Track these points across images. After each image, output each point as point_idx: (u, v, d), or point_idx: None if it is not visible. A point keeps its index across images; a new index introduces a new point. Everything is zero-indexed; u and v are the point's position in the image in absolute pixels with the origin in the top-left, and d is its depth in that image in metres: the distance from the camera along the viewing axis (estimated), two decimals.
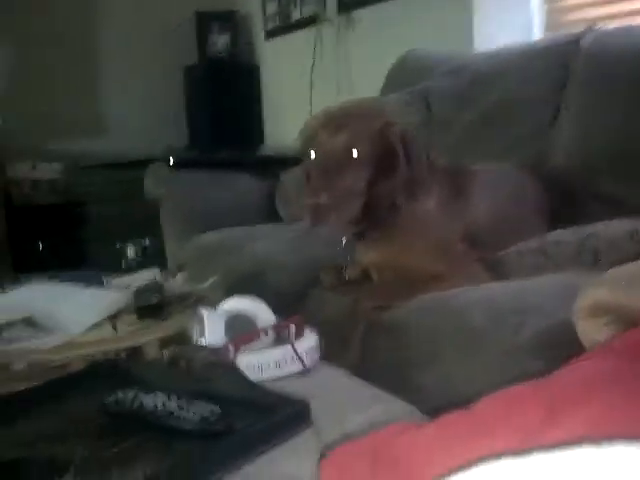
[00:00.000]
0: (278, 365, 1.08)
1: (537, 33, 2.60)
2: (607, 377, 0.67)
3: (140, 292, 1.41)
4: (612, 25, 2.07)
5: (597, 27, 2.07)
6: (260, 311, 1.19)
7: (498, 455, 0.51)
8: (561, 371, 0.75)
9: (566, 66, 2.04)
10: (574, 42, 2.05)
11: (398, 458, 0.68)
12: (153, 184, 2.54)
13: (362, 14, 3.18)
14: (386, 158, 1.48)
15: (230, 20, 3.97)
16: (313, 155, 1.51)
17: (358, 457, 0.72)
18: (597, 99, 1.92)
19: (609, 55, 1.92)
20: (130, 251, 2.08)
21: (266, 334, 1.13)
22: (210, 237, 2.25)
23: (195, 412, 0.86)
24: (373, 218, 1.53)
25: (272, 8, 3.79)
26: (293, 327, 1.14)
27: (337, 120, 1.51)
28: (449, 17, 2.73)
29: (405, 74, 2.64)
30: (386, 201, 1.52)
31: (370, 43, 3.13)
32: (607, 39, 1.97)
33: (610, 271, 0.98)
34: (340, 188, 1.43)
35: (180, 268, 1.77)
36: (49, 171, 3.35)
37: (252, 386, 0.97)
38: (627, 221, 1.46)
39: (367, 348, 1.39)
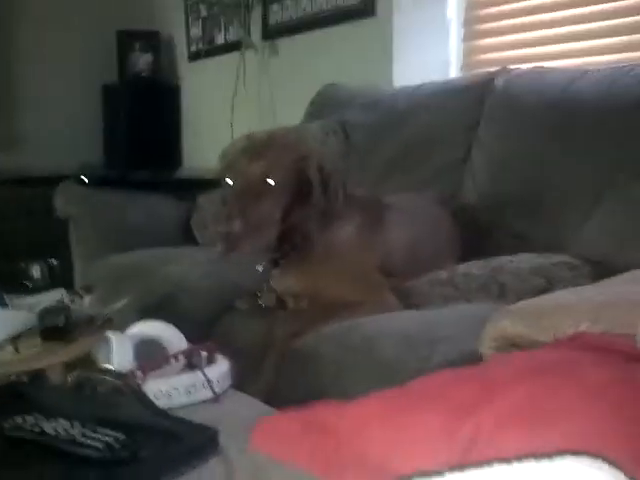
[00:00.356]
0: (188, 391, 1.07)
1: (454, 71, 2.69)
2: (534, 364, 0.69)
3: (45, 313, 1.35)
4: (524, 66, 2.16)
5: (510, 68, 2.17)
6: (171, 336, 1.17)
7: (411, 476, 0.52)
8: (493, 360, 0.77)
9: (481, 104, 2.12)
10: (489, 82, 2.14)
11: (332, 425, 0.68)
12: (64, 201, 2.45)
13: (286, 42, 3.21)
14: (302, 188, 1.50)
15: (153, 40, 3.93)
16: (230, 181, 1.51)
17: (289, 423, 0.72)
18: (508, 137, 2.00)
19: (519, 96, 2.01)
20: (35, 271, 1.99)
21: (176, 360, 1.12)
22: (122, 258, 2.19)
23: (99, 439, 0.84)
24: (288, 246, 1.54)
25: (196, 31, 3.78)
26: (204, 353, 1.13)
27: (256, 148, 1.52)
28: (370, 52, 2.79)
29: (325, 105, 2.68)
30: (301, 230, 1.53)
31: (293, 71, 3.16)
32: (519, 80, 2.06)
33: (516, 304, 1.01)
34: (255, 216, 1.44)
35: (89, 289, 1.71)
36: None
37: (159, 413, 0.95)
38: (532, 256, 1.52)
39: (279, 376, 1.39)
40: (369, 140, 2.42)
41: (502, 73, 2.14)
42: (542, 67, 2.11)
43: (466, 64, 2.65)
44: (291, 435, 0.72)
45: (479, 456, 0.56)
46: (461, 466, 0.51)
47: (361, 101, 2.54)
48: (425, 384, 0.71)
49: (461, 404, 0.63)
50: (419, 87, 2.38)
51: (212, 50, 3.67)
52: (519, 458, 0.49)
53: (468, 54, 2.66)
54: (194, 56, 3.82)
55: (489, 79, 2.15)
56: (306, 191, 1.51)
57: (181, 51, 3.94)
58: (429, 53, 2.73)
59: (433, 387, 0.70)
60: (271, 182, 1.47)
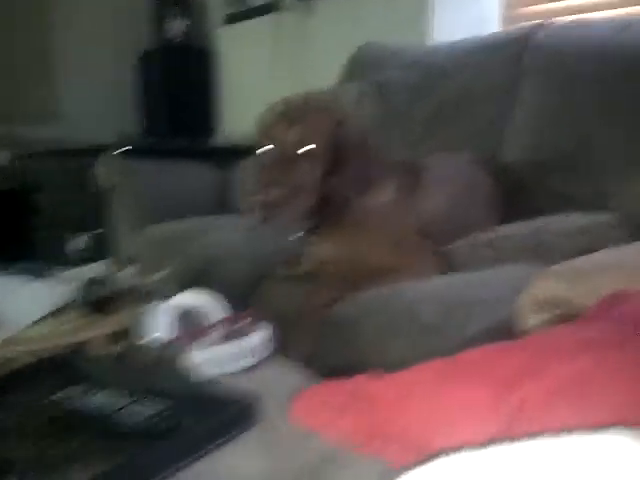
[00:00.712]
0: (231, 359, 1.08)
1: (493, 26, 2.62)
2: (580, 339, 0.68)
3: (88, 285, 1.38)
4: (566, 19, 2.10)
5: (549, 21, 2.10)
6: (213, 304, 1.18)
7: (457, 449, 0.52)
8: (540, 334, 0.76)
9: (519, 60, 2.06)
10: (526, 37, 2.08)
11: (375, 396, 0.68)
12: (105, 173, 2.48)
13: (322, 3, 3.17)
14: (339, 153, 1.48)
15: (187, 5, 3.91)
16: (266, 149, 1.50)
17: (330, 395, 0.73)
18: (549, 95, 1.94)
19: (561, 50, 1.95)
20: (79, 242, 2.04)
21: (218, 328, 1.13)
22: (163, 228, 2.21)
23: (142, 410, 0.85)
24: (326, 212, 1.53)
25: None
26: (246, 321, 1.14)
27: (292, 114, 1.50)
28: (407, 9, 2.74)
29: (362, 65, 2.64)
30: (339, 196, 1.52)
31: (329, 32, 3.12)
32: (559, 34, 2.00)
33: (556, 266, 1.00)
34: (292, 183, 1.43)
35: (131, 260, 1.74)
36: None
37: (199, 383, 0.96)
38: (577, 216, 1.49)
39: (320, 341, 1.39)
40: (407, 100, 2.38)
41: (543, 26, 2.08)
42: (584, 19, 2.04)
43: (507, 17, 2.59)
44: (333, 406, 0.72)
45: (525, 429, 0.55)
46: (508, 439, 0.51)
47: (398, 59, 2.49)
48: (470, 357, 0.71)
49: (507, 377, 0.62)
50: (457, 43, 2.33)
51: (248, 12, 3.63)
52: (567, 431, 0.49)
53: (509, 7, 2.59)
54: (230, 19, 3.79)
55: (530, 33, 2.09)
56: (343, 156, 1.49)
57: (216, 15, 3.91)
58: (469, 7, 2.67)
59: (478, 360, 0.69)
60: (308, 148, 1.46)
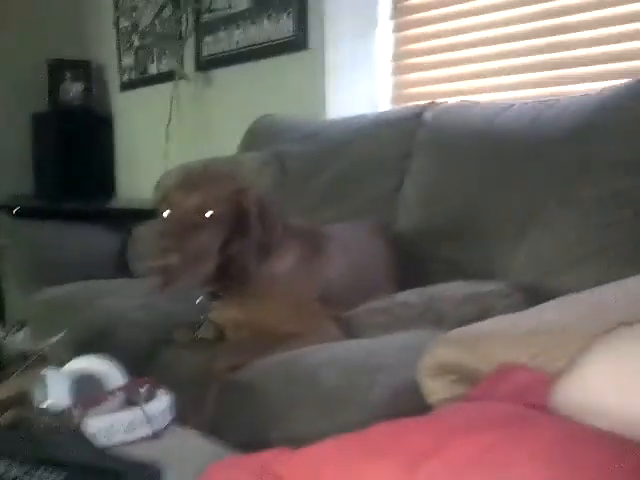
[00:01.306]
0: (128, 429, 1.05)
1: (384, 104, 2.76)
2: (491, 419, 0.71)
3: None
4: (451, 100, 2.25)
5: (438, 102, 2.24)
6: (109, 371, 1.15)
7: None
8: (445, 410, 0.78)
9: (411, 136, 2.18)
10: (418, 115, 2.21)
11: (284, 476, 0.67)
12: None
13: (219, 74, 3.23)
14: (240, 220, 1.50)
15: (84, 69, 3.89)
16: (166, 214, 1.50)
17: (239, 471, 0.71)
18: (438, 168, 2.06)
19: (448, 128, 2.08)
20: None
21: (115, 396, 1.10)
22: (57, 291, 2.14)
23: (40, 479, 0.81)
24: (227, 278, 1.54)
25: (129, 60, 3.76)
26: (144, 389, 1.11)
27: (192, 180, 1.52)
28: (304, 84, 2.84)
29: (260, 137, 2.70)
30: (239, 262, 1.53)
31: (227, 102, 3.18)
32: (447, 113, 2.14)
33: (452, 331, 1.04)
34: (192, 248, 1.43)
35: (22, 324, 1.66)
36: None
37: (100, 451, 0.93)
38: (466, 284, 1.57)
39: (221, 407, 1.38)
40: (304, 171, 2.45)
41: (430, 106, 2.22)
42: (469, 101, 2.20)
43: (395, 97, 2.73)
44: None
45: None
46: None
47: (296, 132, 2.57)
48: (378, 432, 0.72)
49: (415, 453, 0.63)
50: (352, 119, 2.44)
51: (145, 80, 3.66)
52: None
53: (397, 87, 2.74)
54: (126, 86, 3.80)
55: (418, 112, 2.22)
56: (243, 223, 1.51)
57: (113, 81, 3.91)
58: (360, 85, 2.79)
59: (385, 435, 0.70)
60: (208, 214, 1.47)
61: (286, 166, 2.53)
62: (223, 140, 3.06)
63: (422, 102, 2.32)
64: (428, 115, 2.18)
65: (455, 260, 1.90)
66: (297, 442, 0.76)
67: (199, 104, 3.32)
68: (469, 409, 0.81)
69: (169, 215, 1.49)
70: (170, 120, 3.30)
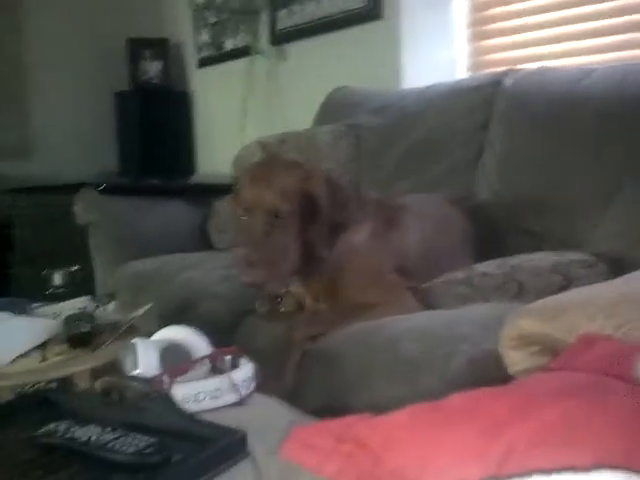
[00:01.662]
0: (214, 395, 1.08)
1: (461, 72, 2.71)
2: (571, 388, 0.70)
3: (70, 320, 1.38)
4: (531, 66, 2.18)
5: (517, 68, 2.18)
6: (195, 341, 1.19)
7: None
8: (524, 380, 0.78)
9: (489, 105, 2.13)
10: (497, 82, 2.15)
11: (363, 440, 0.69)
12: (83, 209, 2.48)
13: (294, 47, 3.24)
14: (311, 206, 1.49)
15: (162, 47, 3.97)
16: (242, 217, 1.49)
17: (321, 435, 0.73)
18: (518, 137, 2.01)
19: (528, 95, 2.02)
20: (57, 278, 2.02)
21: (201, 364, 1.13)
22: (142, 264, 2.22)
23: (130, 444, 0.85)
24: (305, 262, 1.55)
25: (205, 37, 3.81)
26: (229, 357, 1.15)
27: (261, 176, 1.50)
28: (379, 54, 2.81)
29: (335, 109, 2.69)
30: (317, 245, 1.52)
31: (302, 75, 3.18)
32: (526, 80, 2.08)
33: (535, 302, 1.02)
34: (274, 254, 1.43)
35: (111, 296, 1.73)
36: None
37: (188, 417, 0.97)
38: (549, 254, 1.53)
39: (301, 376, 1.40)
40: (380, 142, 2.43)
41: (509, 73, 2.16)
42: (549, 66, 2.12)
43: (473, 65, 2.67)
44: (323, 447, 0.72)
45: (514, 471, 0.57)
46: (499, 477, 0.52)
47: (371, 104, 2.55)
48: (457, 400, 0.72)
49: (494, 422, 0.64)
50: (428, 88, 2.40)
51: (221, 56, 3.69)
52: (558, 470, 0.50)
53: (475, 55, 2.67)
54: (203, 62, 3.85)
55: (497, 79, 2.17)
56: (315, 209, 1.50)
57: (191, 58, 3.97)
58: (436, 54, 2.75)
59: (464, 405, 0.71)
60: (283, 211, 1.46)
61: (361, 138, 2.52)
62: (298, 113, 3.07)
63: (501, 69, 2.26)
64: (507, 82, 2.12)
65: (536, 231, 1.86)
66: (375, 409, 0.77)
67: (274, 78, 3.34)
68: (549, 379, 0.80)
69: (246, 223, 1.47)
70: (246, 96, 3.34)
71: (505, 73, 2.18)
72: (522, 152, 1.98)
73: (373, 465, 0.67)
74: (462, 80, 2.54)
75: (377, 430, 0.71)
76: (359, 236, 1.62)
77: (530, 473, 0.51)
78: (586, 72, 1.92)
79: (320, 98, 2.79)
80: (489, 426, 0.63)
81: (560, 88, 1.95)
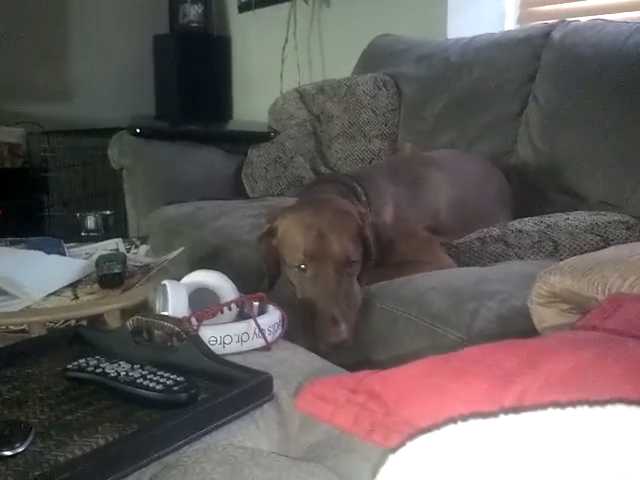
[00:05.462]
0: (240, 339, 1.09)
1: (509, 24, 2.63)
2: (582, 342, 0.69)
3: (102, 261, 1.40)
4: (581, 19, 2.10)
5: (568, 20, 2.10)
6: (223, 285, 1.19)
7: (466, 418, 0.53)
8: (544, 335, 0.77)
9: (537, 57, 2.07)
10: (546, 34, 2.09)
11: (376, 392, 0.69)
12: (118, 153, 2.49)
13: None
14: (364, 250, 1.44)
15: None
16: (295, 263, 1.41)
17: (335, 388, 0.74)
18: (564, 92, 1.95)
19: (577, 49, 1.95)
20: (91, 221, 2.05)
21: (229, 309, 1.14)
22: (175, 209, 2.23)
23: (158, 381, 0.86)
24: None
25: None
26: (256, 303, 1.15)
27: (319, 225, 1.39)
28: (423, 2, 2.74)
29: (377, 57, 2.64)
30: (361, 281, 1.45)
31: (344, 22, 3.13)
32: (577, 34, 2.00)
33: (566, 260, 1.00)
34: (346, 300, 1.35)
35: (143, 239, 1.75)
36: (10, 135, 3.27)
37: (215, 358, 0.97)
38: (587, 214, 1.50)
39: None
40: (421, 93, 2.39)
41: (558, 26, 2.09)
42: (600, 19, 2.04)
43: (522, 16, 2.59)
44: (336, 399, 0.73)
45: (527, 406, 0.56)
46: (516, 409, 0.52)
47: (414, 53, 2.50)
48: (470, 352, 0.72)
49: (506, 372, 0.63)
50: (474, 39, 2.34)
51: (263, 1, 3.63)
52: (573, 404, 0.50)
53: (524, 6, 2.59)
54: (244, 7, 3.80)
55: (546, 31, 2.10)
56: (369, 251, 1.44)
57: (231, 2, 3.92)
58: (484, 4, 2.67)
59: (477, 356, 0.70)
60: (355, 259, 1.39)
61: (402, 88, 2.47)
62: (338, 61, 3.02)
63: (550, 21, 2.18)
64: (556, 35, 2.05)
65: (576, 191, 1.83)
66: (397, 363, 0.77)
67: (316, 24, 3.28)
68: (568, 334, 0.79)
69: (313, 274, 1.38)
70: (286, 41, 3.29)
71: (554, 25, 2.11)
72: (567, 107, 1.93)
73: (386, 415, 0.67)
74: (510, 31, 2.47)
75: (390, 382, 0.71)
76: (388, 211, 1.60)
77: (545, 406, 0.51)
78: (636, 27, 1.85)
79: (362, 46, 2.74)
80: (500, 376, 0.63)
81: (610, 43, 1.88)
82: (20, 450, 0.74)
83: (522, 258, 1.45)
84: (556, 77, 1.99)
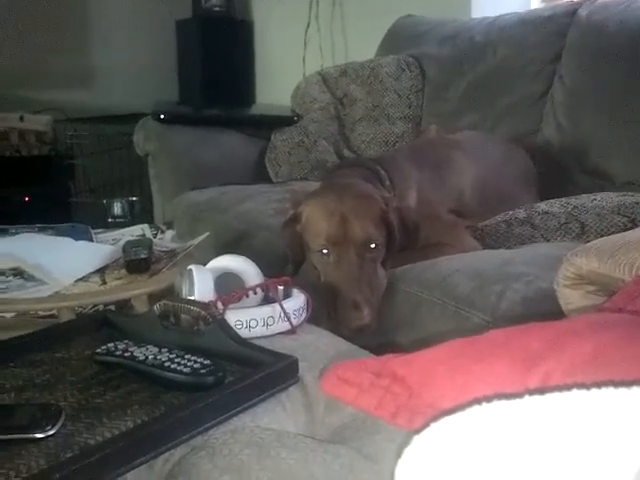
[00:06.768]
0: (266, 323, 1.10)
1: (535, 2, 2.59)
2: (607, 324, 0.69)
3: (129, 246, 1.42)
4: None
5: None
6: (249, 270, 1.20)
7: (490, 399, 0.54)
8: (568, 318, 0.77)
9: (563, 36, 2.04)
10: (572, 12, 2.05)
11: (400, 375, 0.70)
12: (143, 139, 2.51)
13: None
14: (388, 235, 1.43)
15: None
16: (317, 248, 1.41)
17: (359, 371, 0.75)
18: (590, 71, 1.92)
19: (606, 27, 1.92)
20: (117, 208, 2.08)
21: (255, 293, 1.14)
22: (200, 195, 2.24)
23: (186, 365, 0.88)
24: None
25: None
26: (281, 287, 1.16)
27: (343, 210, 1.39)
28: None
29: (400, 39, 2.62)
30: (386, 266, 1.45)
31: (366, 5, 3.10)
32: (604, 11, 1.97)
33: (593, 241, 1.00)
34: (369, 284, 1.34)
35: (169, 225, 1.77)
36: (37, 122, 3.30)
37: (241, 341, 0.98)
38: (614, 195, 1.48)
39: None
40: (445, 74, 2.37)
41: (584, 3, 2.05)
42: None
43: None
44: (360, 382, 0.73)
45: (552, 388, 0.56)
46: (541, 390, 0.52)
47: (438, 33, 2.48)
48: (493, 335, 0.72)
49: (531, 354, 0.63)
50: (498, 18, 2.31)
51: None
52: (598, 385, 0.50)
53: None
54: None
55: (572, 9, 2.07)
56: (393, 235, 1.43)
57: None
58: None
59: (501, 339, 0.70)
60: (378, 243, 1.39)
61: (425, 70, 2.45)
62: (361, 44, 3.00)
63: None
64: (582, 12, 2.02)
65: (606, 173, 1.80)
66: (421, 345, 0.77)
67: (338, 7, 3.26)
68: (593, 316, 0.78)
69: (336, 259, 1.38)
70: (309, 25, 3.28)
71: (580, 3, 2.07)
72: (593, 86, 1.90)
73: (410, 398, 0.68)
74: (535, 10, 2.43)
75: (413, 365, 0.71)
76: (412, 195, 1.60)
77: (570, 388, 0.51)
78: None
79: (384, 28, 2.72)
80: (525, 358, 0.63)
81: (638, 19, 1.84)
82: (51, 433, 0.76)
83: (548, 240, 1.44)
84: (582, 56, 1.96)
